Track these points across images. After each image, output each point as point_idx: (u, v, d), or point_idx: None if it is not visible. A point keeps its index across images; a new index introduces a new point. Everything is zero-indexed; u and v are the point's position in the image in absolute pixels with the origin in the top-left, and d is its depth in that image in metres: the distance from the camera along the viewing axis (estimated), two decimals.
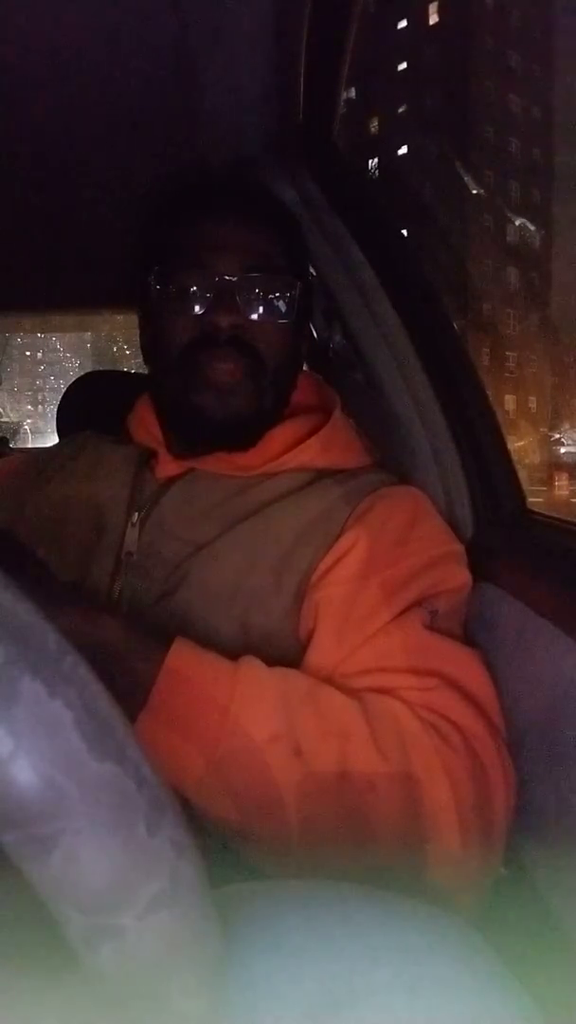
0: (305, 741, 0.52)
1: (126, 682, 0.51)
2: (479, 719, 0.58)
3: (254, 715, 0.52)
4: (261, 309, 0.66)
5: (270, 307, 0.67)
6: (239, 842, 0.54)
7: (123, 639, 0.52)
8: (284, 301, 0.68)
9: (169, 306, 0.67)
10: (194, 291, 0.66)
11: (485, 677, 0.62)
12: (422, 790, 0.53)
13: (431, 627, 0.62)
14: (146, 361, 0.73)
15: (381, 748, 0.53)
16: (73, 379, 1.35)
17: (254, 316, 0.66)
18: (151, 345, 0.71)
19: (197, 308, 0.66)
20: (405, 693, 0.57)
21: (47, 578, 0.57)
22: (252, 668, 0.55)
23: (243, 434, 0.69)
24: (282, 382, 0.71)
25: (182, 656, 0.53)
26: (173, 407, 0.71)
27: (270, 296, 0.67)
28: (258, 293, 0.66)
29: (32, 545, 0.58)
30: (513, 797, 0.59)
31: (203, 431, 0.68)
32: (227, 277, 0.65)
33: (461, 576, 0.68)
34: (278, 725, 0.52)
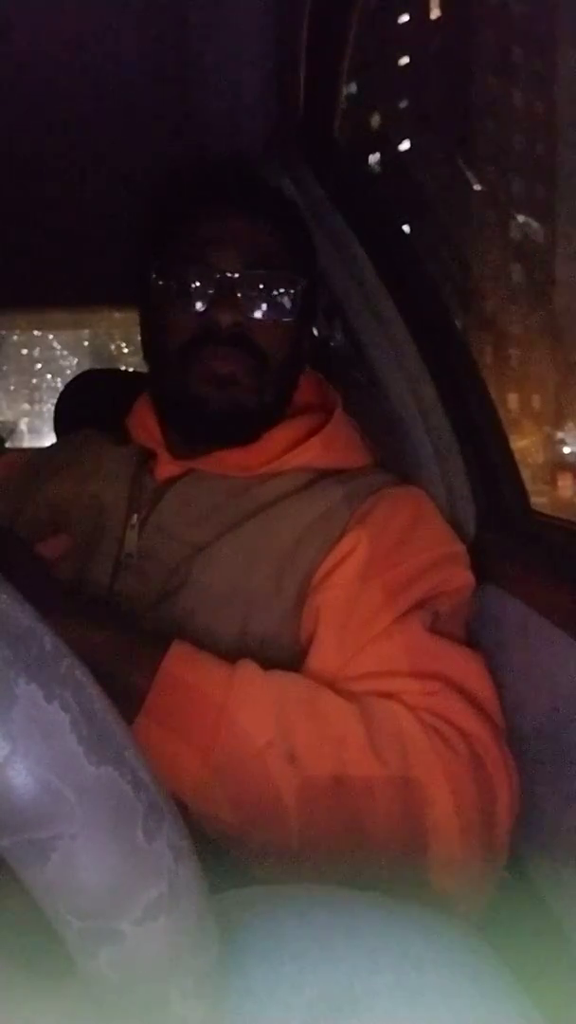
0: (299, 747, 0.52)
1: (123, 684, 0.51)
2: (482, 722, 0.57)
3: (249, 719, 0.52)
4: (263, 306, 0.66)
5: (272, 304, 0.66)
6: (237, 847, 0.53)
7: (122, 641, 0.52)
8: (287, 298, 0.67)
9: (170, 302, 0.67)
10: (195, 287, 0.65)
11: (487, 679, 0.62)
12: (423, 794, 0.52)
13: (433, 629, 0.61)
14: (146, 357, 0.72)
15: (379, 753, 0.53)
16: (70, 377, 1.34)
17: (256, 313, 0.66)
18: (151, 341, 0.71)
19: (198, 305, 0.65)
20: (407, 697, 0.57)
21: (45, 579, 0.57)
22: (248, 671, 0.54)
23: (244, 428, 0.69)
24: (284, 380, 0.70)
25: (179, 659, 0.53)
26: (173, 401, 0.70)
27: (272, 293, 0.66)
28: (260, 290, 0.65)
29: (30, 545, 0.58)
30: (516, 800, 0.58)
31: (204, 424, 0.67)
32: (228, 274, 0.64)
33: (463, 577, 0.68)
34: (272, 731, 0.52)
